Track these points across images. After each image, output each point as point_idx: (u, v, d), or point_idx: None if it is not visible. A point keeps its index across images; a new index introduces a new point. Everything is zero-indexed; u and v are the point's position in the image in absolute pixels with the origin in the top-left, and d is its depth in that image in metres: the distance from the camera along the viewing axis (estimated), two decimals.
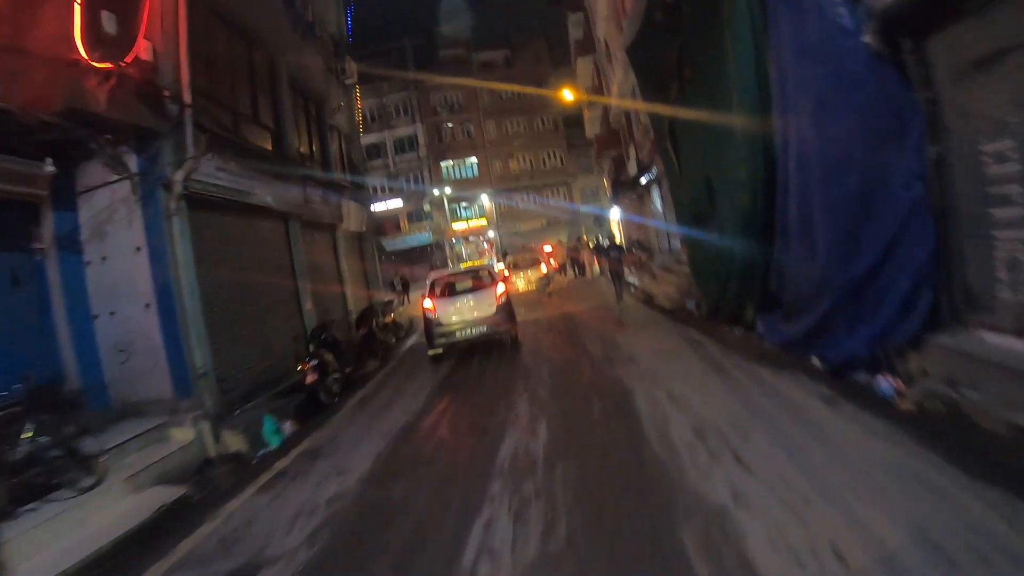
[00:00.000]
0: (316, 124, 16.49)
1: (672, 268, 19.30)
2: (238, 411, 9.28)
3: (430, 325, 11.93)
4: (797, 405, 5.63)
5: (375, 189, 48.49)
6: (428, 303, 12.06)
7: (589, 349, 10.26)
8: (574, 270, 26.00)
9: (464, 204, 48.57)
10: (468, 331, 11.68)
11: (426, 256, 46.95)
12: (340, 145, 19.59)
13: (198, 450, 8.20)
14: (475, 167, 48.77)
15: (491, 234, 48.00)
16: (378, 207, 47.37)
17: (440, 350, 11.96)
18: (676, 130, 11.74)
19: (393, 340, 17.49)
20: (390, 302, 19.39)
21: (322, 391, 10.31)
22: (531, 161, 49.72)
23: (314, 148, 16.08)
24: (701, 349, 8.80)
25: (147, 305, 8.67)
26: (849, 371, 6.42)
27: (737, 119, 8.21)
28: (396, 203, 48.10)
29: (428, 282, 13.10)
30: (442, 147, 48.40)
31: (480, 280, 12.89)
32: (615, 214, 34.11)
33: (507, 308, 11.99)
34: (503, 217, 48.77)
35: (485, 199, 47.71)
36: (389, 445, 6.96)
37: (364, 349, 13.94)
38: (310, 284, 13.15)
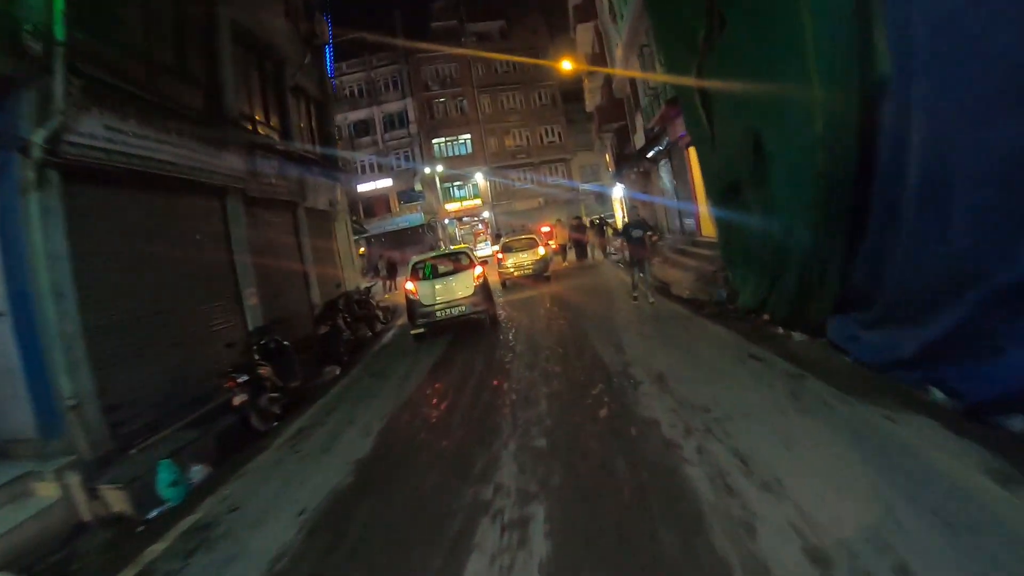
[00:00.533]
0: (273, 86, 14.06)
1: (687, 250, 17.00)
2: (137, 449, 7.01)
3: (412, 306, 12.47)
4: (959, 491, 3.36)
5: (363, 167, 46.08)
6: (410, 285, 12.50)
7: (601, 361, 7.88)
8: (575, 252, 23.61)
9: (457, 183, 46.05)
10: (448, 311, 12.24)
11: (418, 238, 44.52)
12: (309, 112, 17.16)
13: (64, 513, 5.94)
14: (469, 144, 46.17)
15: (486, 214, 45.56)
16: (367, 187, 45.02)
17: (423, 329, 12.49)
18: (708, 81, 9.35)
19: (369, 333, 15.25)
20: (368, 289, 17.11)
21: (254, 415, 8.05)
22: (528, 137, 47.12)
23: (270, 113, 13.66)
24: (758, 366, 6.48)
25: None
26: (994, 413, 4.20)
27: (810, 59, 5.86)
28: (386, 182, 45.58)
29: (410, 265, 13.32)
30: (434, 123, 45.76)
31: (459, 263, 13.35)
32: (617, 192, 31.65)
33: (485, 289, 12.62)
34: (498, 197, 46.28)
35: (479, 178, 45.20)
36: (304, 527, 4.68)
37: (325, 352, 11.65)
38: (255, 275, 10.82)
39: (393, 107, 46.57)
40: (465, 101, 46.35)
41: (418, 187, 44.58)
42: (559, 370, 7.86)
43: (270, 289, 11.50)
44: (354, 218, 45.70)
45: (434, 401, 7.66)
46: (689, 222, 18.50)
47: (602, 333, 9.63)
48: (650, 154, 21.86)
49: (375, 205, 46.26)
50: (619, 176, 29.89)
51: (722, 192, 9.56)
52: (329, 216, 17.02)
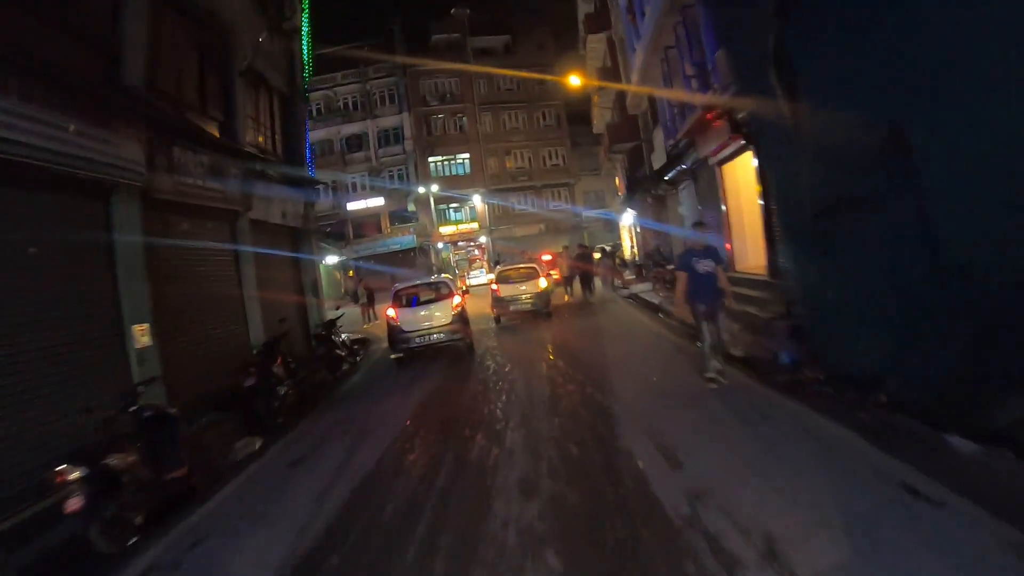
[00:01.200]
0: (216, 64, 11.20)
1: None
2: None
3: (393, 331, 12.93)
4: None
5: (354, 185, 43.31)
6: (392, 312, 13.01)
7: (647, 493, 4.61)
8: (580, 285, 20.55)
9: (454, 205, 43.27)
10: (427, 337, 12.75)
11: (409, 262, 41.60)
12: (271, 108, 14.30)
13: None
14: (467, 164, 43.50)
15: (483, 239, 42.72)
16: (357, 205, 42.23)
17: (402, 354, 12.96)
18: (795, 47, 6.50)
19: (331, 378, 12.29)
20: (331, 323, 14.11)
21: (98, 530, 5.06)
22: (530, 159, 44.48)
23: (208, 97, 10.77)
24: (944, 524, 3.45)
25: None
26: None
27: None
28: (377, 201, 42.78)
29: (392, 292, 13.80)
30: (431, 140, 43.11)
31: (440, 292, 13.83)
32: (627, 219, 28.85)
33: (462, 317, 13.11)
34: (497, 220, 43.51)
35: (477, 200, 42.44)
36: None
37: (249, 414, 8.59)
38: (152, 305, 7.81)
39: (389, 122, 43.98)
40: (465, 118, 43.80)
41: (411, 207, 41.79)
42: (577, 505, 4.61)
43: (177, 324, 8.50)
44: (340, 241, 43.07)
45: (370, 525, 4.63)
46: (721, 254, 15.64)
47: (636, 422, 6.40)
48: (669, 175, 19.05)
49: (365, 225, 43.44)
50: (630, 201, 27.09)
51: (812, 215, 6.63)
52: (287, 233, 14.10)
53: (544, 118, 45.18)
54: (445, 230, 42.65)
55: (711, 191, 15.70)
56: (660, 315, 14.05)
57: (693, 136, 14.90)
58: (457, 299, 13.21)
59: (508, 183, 43.48)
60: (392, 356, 13.11)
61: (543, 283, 16.57)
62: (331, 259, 42.98)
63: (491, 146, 43.71)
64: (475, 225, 43.11)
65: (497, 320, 17.03)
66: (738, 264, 14.76)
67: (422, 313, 12.97)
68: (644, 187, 23.50)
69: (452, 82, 43.86)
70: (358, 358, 14.72)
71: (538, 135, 44.65)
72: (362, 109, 44.62)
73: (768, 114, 7.36)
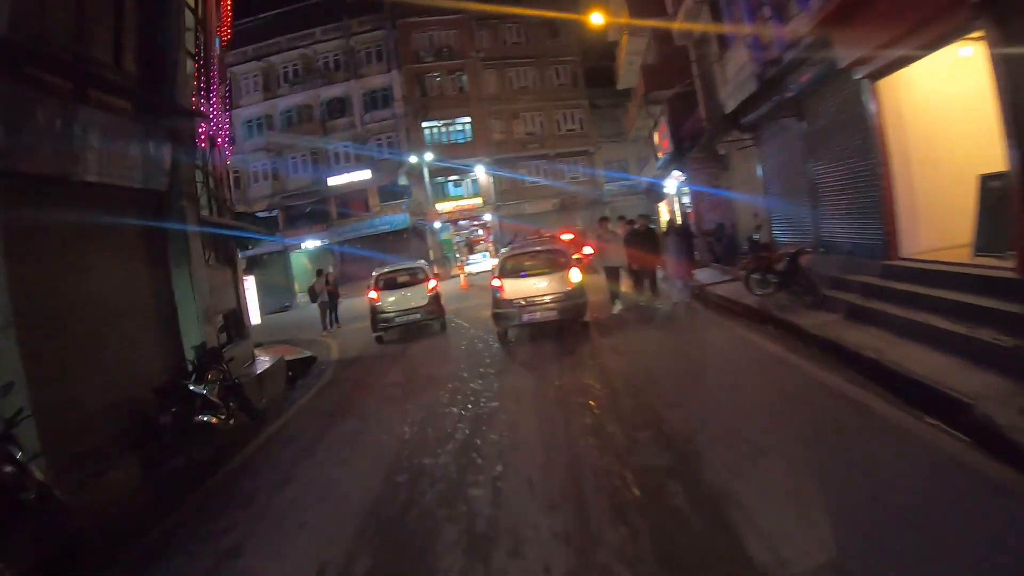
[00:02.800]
0: None
1: (889, 290, 7.93)
2: None
3: (374, 311, 14.01)
4: None
5: (336, 156, 37.18)
6: (373, 294, 14.09)
7: None
8: (634, 281, 13.28)
9: (453, 178, 37.01)
10: (405, 317, 13.86)
11: (401, 245, 35.52)
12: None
13: None
14: (468, 129, 37.11)
15: (487, 217, 36.50)
16: (340, 179, 36.15)
17: (383, 333, 14.13)
18: None
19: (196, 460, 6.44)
20: (213, 355, 8.26)
21: None
22: (542, 123, 38.01)
23: None
24: None
25: None
26: None
27: None
28: (363, 175, 36.61)
29: (373, 276, 14.72)
30: (426, 102, 36.72)
31: (416, 277, 14.55)
32: (671, 186, 22.49)
33: (436, 300, 14.08)
34: (504, 195, 37.22)
35: (480, 171, 36.15)
36: None
37: None
38: None
39: (376, 82, 37.69)
40: (465, 76, 37.34)
41: (403, 181, 35.58)
42: None
43: None
44: (321, 222, 36.77)
45: None
46: (872, 234, 9.40)
47: None
48: (753, 115, 12.86)
49: (351, 202, 37.34)
50: (675, 164, 20.72)
51: None
52: (138, 200, 8.09)
53: (558, 76, 38.65)
54: (443, 207, 36.40)
55: (849, 128, 9.57)
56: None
57: (831, 27, 8.65)
58: (432, 283, 14.28)
59: (516, 151, 37.12)
60: (374, 334, 14.19)
61: (575, 275, 10.53)
62: (310, 244, 37.08)
63: (496, 108, 37.28)
64: (478, 201, 36.83)
65: (502, 338, 11.11)
66: (907, 246, 8.72)
67: (398, 295, 14.09)
68: (704, 142, 17.19)
69: (450, 35, 37.39)
70: (294, 392, 8.81)
71: (551, 95, 38.15)
72: (345, 69, 38.36)
73: None
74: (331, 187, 36.82)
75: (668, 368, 7.69)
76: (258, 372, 11.22)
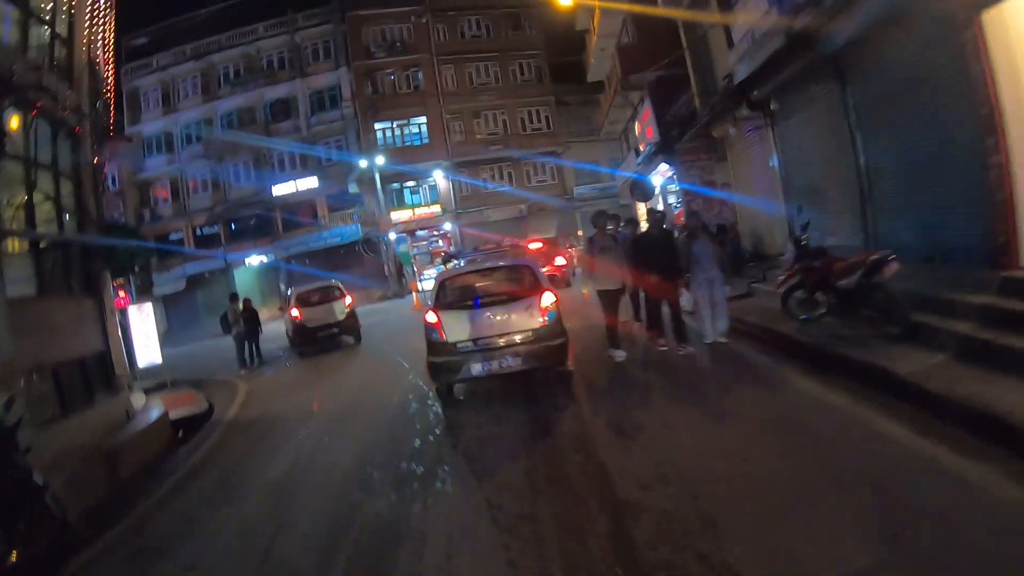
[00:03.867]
0: None
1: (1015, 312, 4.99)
2: None
3: (296, 328, 15.11)
4: None
5: (280, 161, 33.78)
6: (295, 312, 15.10)
7: None
8: (646, 315, 9.09)
9: (409, 184, 33.71)
10: (324, 332, 15.08)
11: (353, 259, 32.15)
12: None
13: None
14: (424, 130, 33.82)
15: (447, 226, 33.22)
16: (285, 188, 32.72)
17: (306, 348, 15.17)
18: None
19: None
20: None
21: None
22: (505, 122, 34.87)
23: None
24: None
25: None
26: None
27: None
28: (309, 182, 33.18)
29: (291, 295, 16.11)
30: (377, 101, 33.35)
31: (332, 294, 15.73)
32: (657, 183, 19.46)
33: (353, 315, 15.65)
34: (465, 201, 34.00)
35: (439, 176, 32.95)
36: None
37: None
38: None
39: (323, 80, 34.38)
40: (421, 72, 34.07)
41: (353, 188, 32.16)
42: None
43: None
44: (266, 236, 32.64)
45: None
46: (973, 233, 6.46)
47: None
48: (776, 81, 9.98)
49: (298, 213, 33.78)
50: (665, 155, 17.72)
51: None
52: None
53: (521, 71, 35.61)
54: (399, 216, 33.02)
55: (931, 86, 6.71)
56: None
57: None
58: (349, 299, 15.98)
59: (478, 153, 33.91)
60: (297, 350, 15.36)
61: (547, 301, 7.27)
62: (255, 260, 33.51)
63: (455, 107, 34.10)
64: (437, 208, 33.53)
65: (443, 396, 7.77)
66: None
67: (318, 311, 15.21)
68: (699, 125, 14.28)
69: (403, 28, 34.18)
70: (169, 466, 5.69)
71: (514, 92, 35.07)
72: (290, 67, 35.03)
73: None
74: (276, 197, 33.30)
75: (727, 485, 4.17)
76: (119, 440, 8.00)
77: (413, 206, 33.61)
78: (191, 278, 34.31)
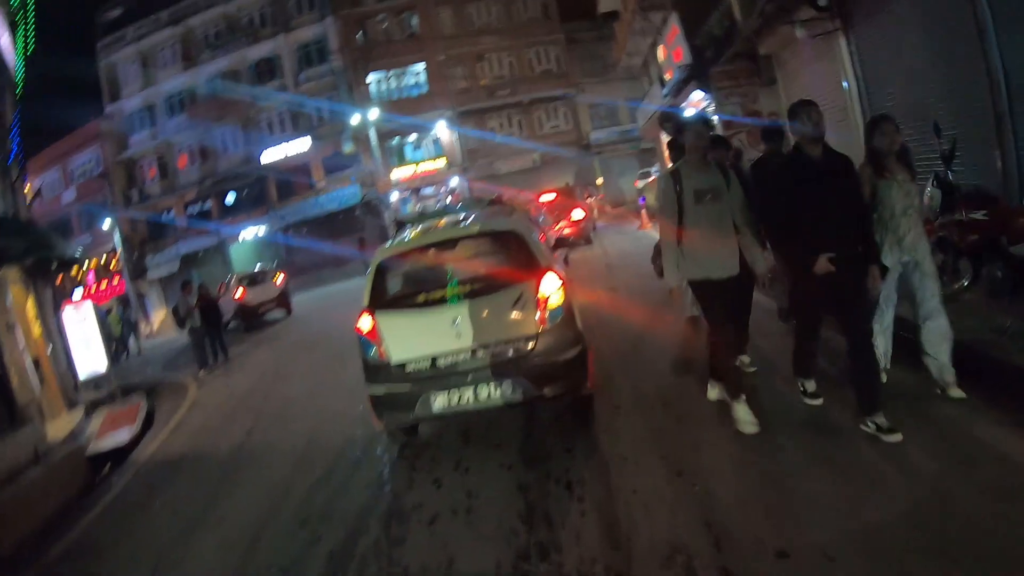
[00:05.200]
0: None
1: None
2: None
3: (241, 306, 17.21)
4: None
5: (269, 123, 31.13)
6: (239, 292, 17.28)
7: None
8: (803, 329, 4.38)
9: (411, 138, 30.80)
10: (265, 308, 17.83)
11: (353, 224, 29.39)
12: None
13: None
14: (423, 78, 30.80)
15: (454, 181, 30.25)
16: (276, 153, 30.07)
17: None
18: None
19: None
20: None
21: None
22: (511, 65, 31.64)
23: None
24: None
25: None
26: None
27: None
28: (302, 144, 30.39)
29: (233, 278, 18.54)
30: (369, 50, 30.36)
31: (267, 275, 18.75)
32: (689, 114, 16.10)
33: (284, 292, 18.50)
34: (472, 154, 31.03)
35: (442, 128, 29.94)
36: None
37: None
38: None
39: (308, 33, 31.38)
40: (416, 16, 30.98)
41: (348, 147, 29.29)
42: None
43: None
44: (261, 206, 30.13)
45: None
46: None
47: None
48: None
49: (293, 180, 31.06)
50: (698, 81, 14.47)
51: None
52: None
53: (526, 8, 32.19)
54: (401, 173, 30.19)
55: None
56: None
57: None
58: (281, 277, 18.94)
59: (483, 100, 30.84)
60: (243, 326, 17.14)
61: (549, 287, 4.30)
62: (250, 232, 31.01)
63: (455, 51, 30.92)
64: (442, 163, 30.59)
65: (394, 438, 5.12)
66: None
67: (260, 290, 17.86)
68: (740, 40, 11.18)
69: None
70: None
71: (520, 32, 31.76)
72: (273, 23, 32.11)
73: None
74: (267, 163, 30.65)
75: None
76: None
77: (416, 162, 30.70)
78: (185, 257, 32.04)
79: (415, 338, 4.42)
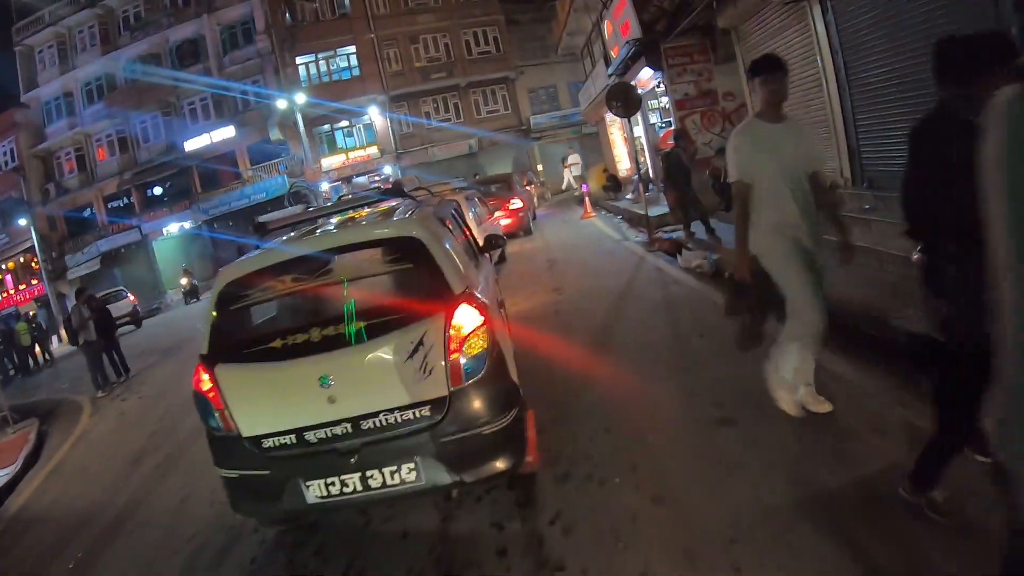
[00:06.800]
0: None
1: None
2: None
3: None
4: None
5: (192, 109, 29.39)
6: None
7: None
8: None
9: (342, 125, 29.37)
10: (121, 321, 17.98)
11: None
12: None
13: None
14: (355, 61, 29.33)
15: (387, 169, 28.87)
16: (198, 143, 28.35)
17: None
18: None
19: None
20: None
21: None
22: (447, 46, 30.32)
23: None
24: None
25: None
26: None
27: None
28: (227, 132, 28.72)
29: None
30: (297, 31, 28.80)
31: (120, 296, 19.88)
32: (642, 87, 14.81)
33: (136, 310, 21.26)
34: (406, 141, 29.73)
35: (375, 113, 28.55)
36: None
37: None
38: None
39: (233, 13, 29.60)
40: None
41: (275, 134, 27.70)
42: None
43: None
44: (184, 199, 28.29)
45: None
46: None
47: None
48: None
49: (219, 169, 29.40)
50: (648, 55, 13.28)
51: None
52: None
53: None
54: (331, 162, 28.76)
55: None
56: None
57: None
58: (131, 297, 21.58)
59: (418, 84, 29.52)
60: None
61: (465, 324, 3.03)
62: (174, 227, 29.29)
63: (388, 32, 29.46)
64: (374, 150, 29.21)
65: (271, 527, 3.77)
66: None
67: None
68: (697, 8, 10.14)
69: None
70: None
71: (457, 12, 30.42)
72: (196, 2, 30.19)
73: None
74: (190, 152, 28.91)
75: None
76: None
77: (347, 150, 29.29)
78: (106, 255, 30.17)
79: (272, 402, 3.10)
